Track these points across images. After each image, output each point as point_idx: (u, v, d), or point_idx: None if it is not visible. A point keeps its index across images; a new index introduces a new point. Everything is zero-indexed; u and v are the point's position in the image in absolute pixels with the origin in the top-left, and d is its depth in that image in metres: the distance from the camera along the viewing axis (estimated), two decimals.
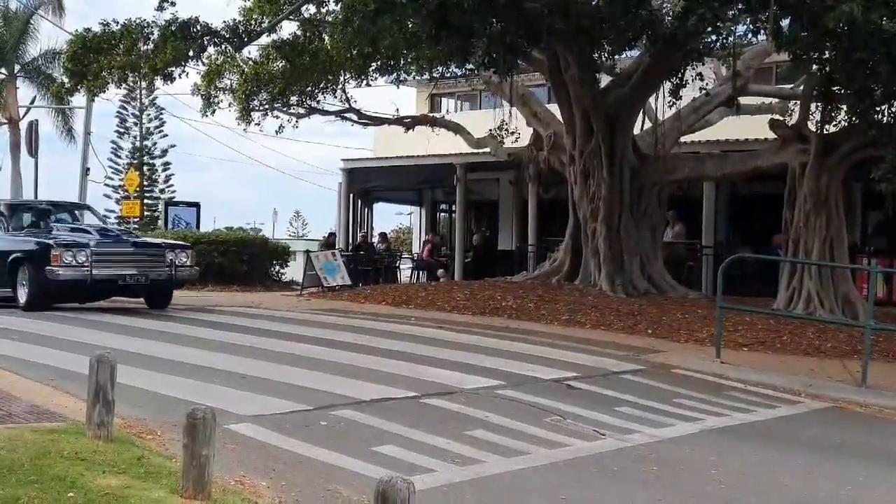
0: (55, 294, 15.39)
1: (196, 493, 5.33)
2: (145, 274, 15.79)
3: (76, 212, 19.71)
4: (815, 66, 16.41)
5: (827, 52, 15.32)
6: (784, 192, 17.87)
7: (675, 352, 13.49)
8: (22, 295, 15.40)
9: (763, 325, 15.37)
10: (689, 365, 12.39)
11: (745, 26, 16.52)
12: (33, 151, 31.72)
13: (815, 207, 17.01)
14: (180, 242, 17.94)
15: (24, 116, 38.52)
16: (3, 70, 36.93)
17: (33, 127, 32.23)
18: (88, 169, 34.78)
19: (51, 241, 15.51)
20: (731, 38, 17.50)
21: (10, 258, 15.55)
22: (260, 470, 6.57)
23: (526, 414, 8.92)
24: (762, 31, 16.26)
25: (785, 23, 15.53)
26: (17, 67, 38.78)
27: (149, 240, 18.05)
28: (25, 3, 37.92)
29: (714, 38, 17.26)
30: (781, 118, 19.88)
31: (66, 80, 21.70)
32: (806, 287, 16.79)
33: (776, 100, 22.96)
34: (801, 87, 19.63)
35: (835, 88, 16.46)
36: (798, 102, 19.46)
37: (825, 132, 17.36)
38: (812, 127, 17.80)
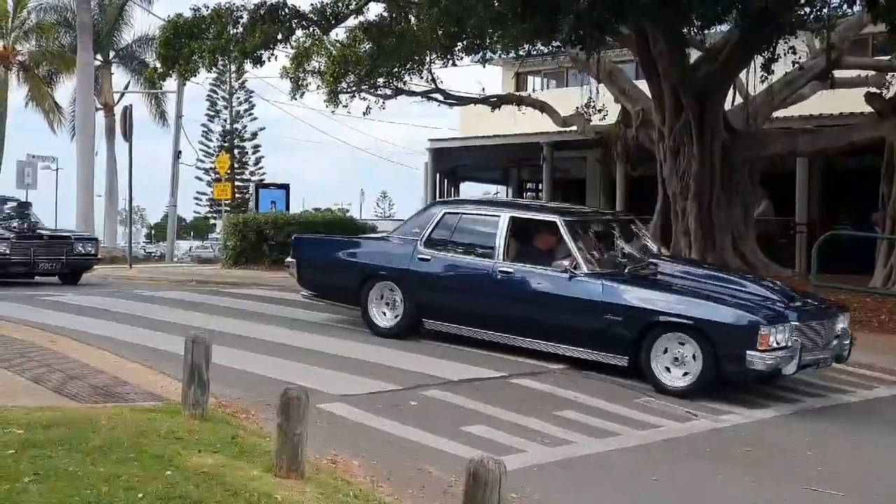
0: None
1: (290, 472, 5.38)
2: None
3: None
4: None
5: None
6: (881, 166, 17.40)
7: None
8: (668, 377, 9.20)
9: (860, 303, 14.96)
10: None
11: None
12: (128, 136, 32.43)
13: None
14: None
15: (118, 101, 39.55)
16: (99, 57, 37.80)
17: (127, 111, 32.89)
18: (180, 152, 35.49)
19: (753, 313, 9.15)
20: (825, 10, 17.06)
21: (651, 320, 9.41)
22: (351, 449, 6.64)
23: (616, 395, 8.86)
24: (857, 2, 15.81)
25: None
26: (111, 54, 39.73)
27: None
28: None
29: (807, 10, 16.84)
30: (878, 91, 19.32)
31: (158, 65, 22.11)
32: None
33: (872, 72, 22.28)
34: None
35: None
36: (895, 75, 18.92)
37: None
38: None
